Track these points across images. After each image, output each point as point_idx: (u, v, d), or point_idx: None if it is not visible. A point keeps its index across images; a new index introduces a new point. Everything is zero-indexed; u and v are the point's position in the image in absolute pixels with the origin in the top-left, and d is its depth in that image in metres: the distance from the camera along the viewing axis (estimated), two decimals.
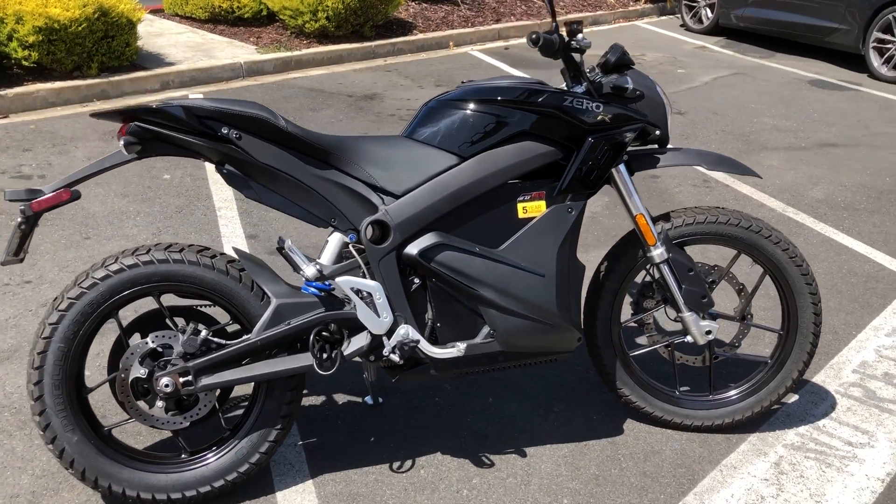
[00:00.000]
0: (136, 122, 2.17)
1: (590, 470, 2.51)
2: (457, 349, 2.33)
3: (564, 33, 2.41)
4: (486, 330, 2.37)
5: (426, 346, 2.31)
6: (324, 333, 2.28)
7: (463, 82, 2.50)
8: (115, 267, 2.17)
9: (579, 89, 2.42)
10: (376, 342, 2.31)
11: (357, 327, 2.31)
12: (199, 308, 2.36)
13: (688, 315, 2.53)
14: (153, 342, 2.23)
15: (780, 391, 2.64)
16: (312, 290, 2.31)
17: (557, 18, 2.54)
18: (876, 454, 2.61)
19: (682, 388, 2.75)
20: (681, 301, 2.52)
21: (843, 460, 2.58)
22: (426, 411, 2.77)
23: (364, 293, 2.27)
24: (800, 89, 7.68)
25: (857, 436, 2.70)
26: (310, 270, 2.26)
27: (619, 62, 2.38)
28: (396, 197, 2.30)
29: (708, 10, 10.32)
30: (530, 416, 2.75)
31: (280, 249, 2.39)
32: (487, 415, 2.75)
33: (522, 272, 2.35)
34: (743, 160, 5.49)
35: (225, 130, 2.18)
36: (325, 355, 2.26)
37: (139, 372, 2.22)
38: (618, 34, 10.10)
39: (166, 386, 2.19)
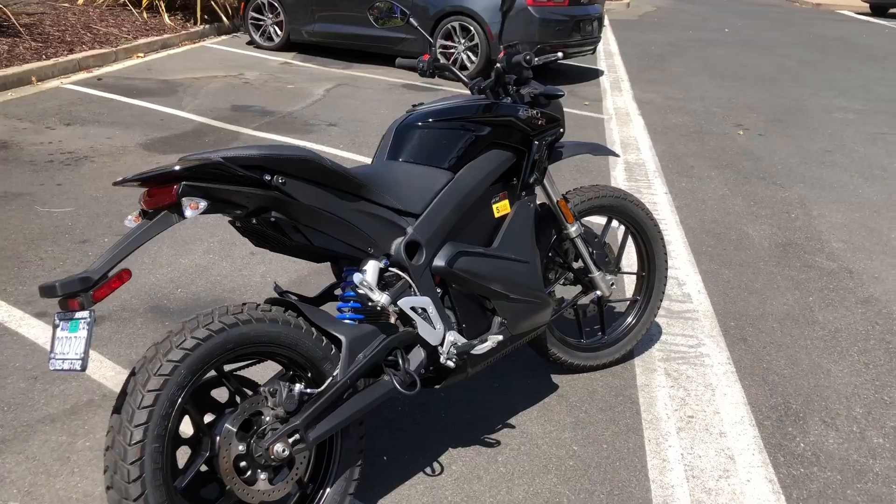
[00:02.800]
0: (185, 183, 1.99)
1: (565, 419, 2.96)
2: (490, 342, 2.58)
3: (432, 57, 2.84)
4: (498, 320, 2.66)
5: (473, 346, 2.52)
6: (389, 357, 2.35)
7: (414, 106, 2.71)
8: (190, 344, 1.98)
9: (507, 99, 2.81)
10: (431, 353, 2.45)
11: (411, 345, 2.42)
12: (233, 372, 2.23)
13: (598, 274, 3.11)
14: (245, 412, 2.07)
15: (651, 319, 3.39)
16: (347, 319, 2.35)
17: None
18: (708, 349, 3.51)
19: (583, 339, 3.33)
20: (591, 264, 3.09)
21: (697, 358, 3.43)
22: (431, 423, 2.91)
23: (419, 309, 2.39)
24: (402, 93, 8.72)
25: (690, 340, 3.59)
26: (383, 299, 2.30)
27: (537, 69, 2.80)
28: (416, 217, 2.46)
29: (276, 28, 10.86)
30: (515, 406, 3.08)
31: (280, 293, 2.38)
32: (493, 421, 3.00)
33: (515, 262, 2.69)
34: None
35: (268, 177, 2.12)
36: (401, 377, 2.34)
37: (239, 448, 2.06)
38: (194, 56, 10.10)
39: (282, 451, 2.07)
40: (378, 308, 2.34)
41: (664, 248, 3.34)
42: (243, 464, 2.08)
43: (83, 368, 1.82)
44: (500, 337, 2.59)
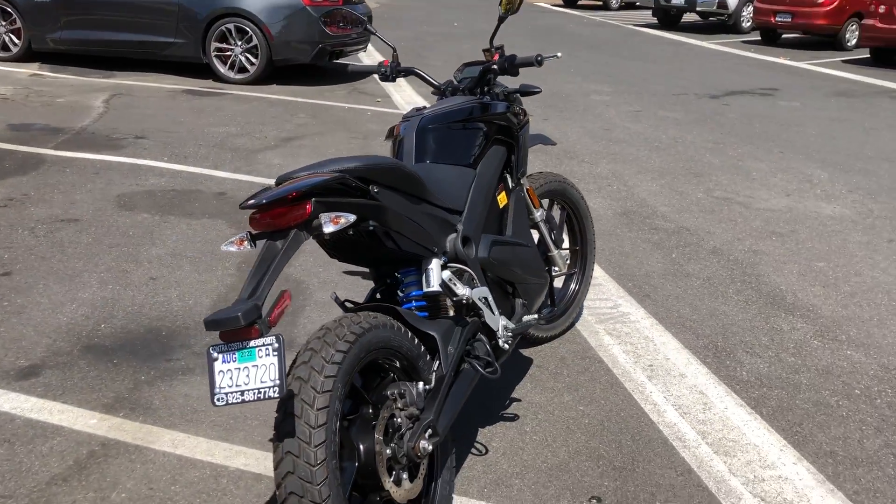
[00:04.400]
0: (316, 199, 2.02)
1: (557, 386, 3.27)
2: (526, 321, 2.81)
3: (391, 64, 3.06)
4: (520, 301, 2.89)
5: (519, 328, 2.73)
6: (467, 347, 2.50)
7: (418, 110, 2.85)
8: (339, 358, 2.01)
9: (486, 98, 3.03)
10: (492, 338, 2.63)
11: (474, 333, 2.58)
12: None
13: (556, 252, 3.44)
14: (384, 419, 2.13)
15: (588, 287, 3.79)
16: (415, 311, 2.47)
17: None
18: (626, 308, 4.01)
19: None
20: (551, 244, 3.42)
21: (623, 317, 3.90)
22: None
23: (484, 299, 2.56)
24: (189, 99, 8.38)
25: (608, 302, 4.06)
26: (467, 292, 2.43)
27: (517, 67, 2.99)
28: (459, 213, 2.62)
29: (12, 36, 9.83)
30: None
31: (341, 303, 2.45)
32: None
33: (526, 248, 2.94)
34: (242, 162, 6.13)
35: (371, 187, 2.20)
36: (482, 363, 2.50)
37: (387, 452, 2.11)
38: None
39: (426, 447, 2.16)
40: (462, 302, 2.46)
41: (592, 224, 3.75)
42: (390, 467, 2.13)
43: (282, 393, 1.79)
44: (535, 316, 2.83)
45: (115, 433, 2.83)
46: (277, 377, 1.79)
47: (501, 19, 2.91)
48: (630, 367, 3.43)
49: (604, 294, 4.14)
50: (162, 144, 6.58)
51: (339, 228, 2.00)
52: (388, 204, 2.23)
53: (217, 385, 1.83)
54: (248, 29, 9.13)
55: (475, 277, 2.57)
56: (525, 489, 2.63)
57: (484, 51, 3.01)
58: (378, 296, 2.63)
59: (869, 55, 13.70)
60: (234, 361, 1.83)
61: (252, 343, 1.82)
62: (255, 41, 9.15)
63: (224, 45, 9.28)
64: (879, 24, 12.59)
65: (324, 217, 1.99)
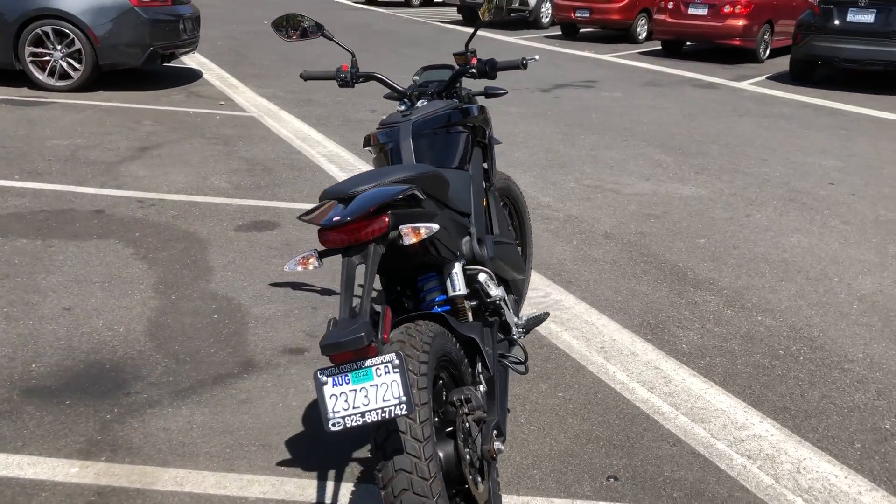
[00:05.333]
0: (392, 212, 2.01)
1: (530, 377, 3.40)
2: (527, 315, 2.90)
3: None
4: (512, 297, 2.98)
5: (525, 323, 2.82)
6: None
7: (403, 115, 2.84)
8: (425, 370, 2.02)
9: (451, 102, 3.08)
10: (507, 335, 2.70)
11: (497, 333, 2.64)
12: None
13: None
14: (462, 426, 2.15)
15: (529, 279, 3.94)
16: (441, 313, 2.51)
17: None
18: (557, 296, 4.21)
19: None
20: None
21: (557, 304, 4.10)
22: None
23: (503, 299, 2.63)
24: (11, 111, 7.64)
25: (539, 291, 4.24)
26: (500, 292, 2.48)
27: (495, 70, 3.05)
28: (468, 216, 2.66)
29: None
30: None
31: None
32: None
33: (512, 245, 3.03)
34: (107, 177, 5.75)
35: (420, 195, 2.21)
36: (512, 360, 2.57)
37: (467, 458, 2.13)
38: None
39: (499, 448, 2.20)
40: (487, 303, 2.51)
41: (529, 219, 3.91)
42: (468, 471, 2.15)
43: (411, 410, 1.77)
44: (536, 311, 2.93)
45: (106, 479, 2.61)
46: (403, 394, 1.77)
47: (479, 27, 2.97)
48: (585, 351, 3.62)
49: (532, 284, 4.31)
50: (4, 161, 5.98)
51: (416, 241, 1.99)
52: (434, 211, 2.24)
53: (331, 410, 1.78)
54: (68, 32, 8.44)
55: (493, 278, 2.63)
56: (546, 478, 2.73)
57: (455, 55, 3.05)
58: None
59: (661, 47, 14.97)
60: (347, 384, 1.78)
61: (368, 362, 1.78)
62: (77, 45, 8.47)
63: (41, 50, 8.51)
64: (670, 19, 13.81)
65: (402, 229, 1.98)
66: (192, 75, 10.14)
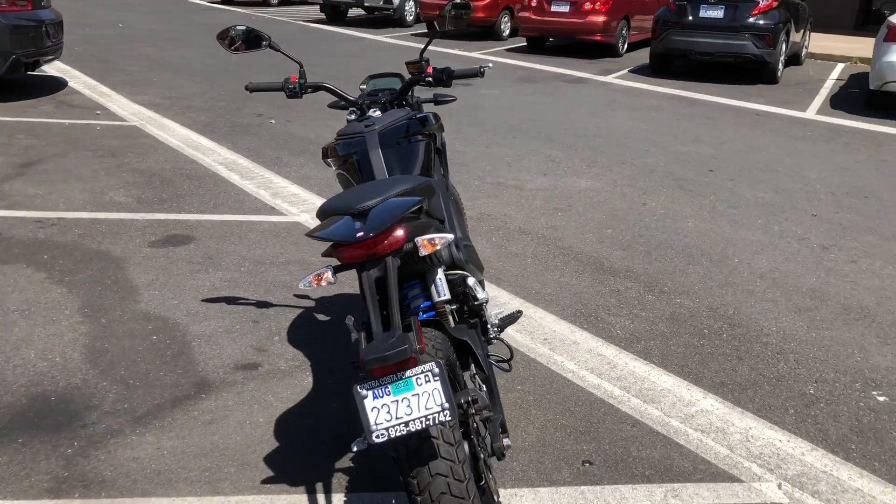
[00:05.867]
0: (406, 224, 2.07)
1: (498, 381, 3.50)
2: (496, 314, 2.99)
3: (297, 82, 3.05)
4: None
5: (499, 322, 2.91)
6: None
7: (366, 125, 2.87)
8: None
9: (409, 110, 3.14)
10: (485, 333, 2.79)
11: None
12: None
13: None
14: (472, 428, 2.22)
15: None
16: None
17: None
18: (493, 291, 4.34)
19: None
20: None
21: (492, 300, 4.23)
22: None
23: (488, 299, 2.71)
24: None
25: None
26: (486, 295, 2.56)
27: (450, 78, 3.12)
28: (443, 221, 2.73)
29: None
30: None
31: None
32: None
33: (472, 246, 3.12)
34: None
35: (424, 205, 2.28)
36: (497, 359, 2.66)
37: (483, 457, 2.21)
38: None
39: (509, 446, 2.29)
40: (471, 305, 2.59)
41: (465, 213, 4.01)
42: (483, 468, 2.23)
43: (454, 416, 1.83)
44: (507, 311, 3.03)
45: None
46: (445, 400, 1.83)
47: (435, 36, 3.03)
48: (531, 343, 3.76)
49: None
50: None
51: (431, 252, 2.05)
52: (433, 221, 2.30)
53: (373, 422, 1.81)
54: None
55: (480, 282, 2.71)
56: (527, 469, 2.84)
57: (408, 63, 3.09)
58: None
59: (525, 43, 15.44)
60: (388, 395, 1.82)
61: (408, 373, 1.83)
62: None
63: None
64: (534, 17, 14.27)
65: (418, 241, 2.03)
66: (57, 84, 9.59)
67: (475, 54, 14.22)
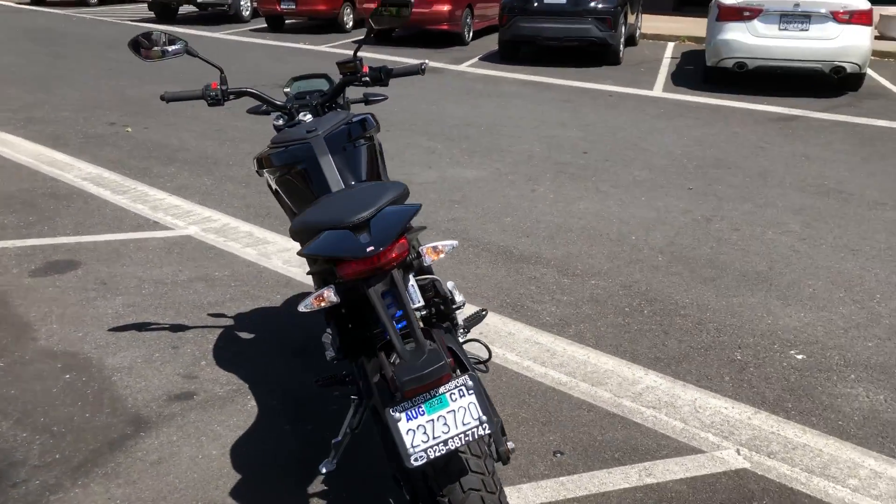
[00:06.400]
0: (407, 234, 2.00)
1: None
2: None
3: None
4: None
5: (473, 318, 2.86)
6: None
7: (308, 131, 2.73)
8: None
9: (347, 113, 3.01)
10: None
11: None
12: None
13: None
14: None
15: None
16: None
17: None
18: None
19: None
20: None
21: None
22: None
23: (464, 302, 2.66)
24: None
25: None
26: (462, 297, 2.50)
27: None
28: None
29: None
30: None
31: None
32: None
33: None
34: None
35: None
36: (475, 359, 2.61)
37: (495, 461, 2.16)
38: None
39: (513, 448, 2.24)
40: (441, 310, 2.52)
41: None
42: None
43: (493, 427, 1.77)
44: (471, 311, 2.98)
45: None
46: (482, 413, 1.77)
47: (370, 34, 2.92)
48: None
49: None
50: None
51: (434, 261, 1.98)
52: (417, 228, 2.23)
53: (410, 445, 1.73)
54: None
55: (444, 284, 2.64)
56: (504, 468, 2.82)
57: (340, 64, 2.96)
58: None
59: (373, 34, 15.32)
60: (422, 415, 1.74)
61: (441, 390, 1.75)
62: None
63: None
64: None
65: (422, 249, 1.96)
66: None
67: (323, 47, 13.97)
